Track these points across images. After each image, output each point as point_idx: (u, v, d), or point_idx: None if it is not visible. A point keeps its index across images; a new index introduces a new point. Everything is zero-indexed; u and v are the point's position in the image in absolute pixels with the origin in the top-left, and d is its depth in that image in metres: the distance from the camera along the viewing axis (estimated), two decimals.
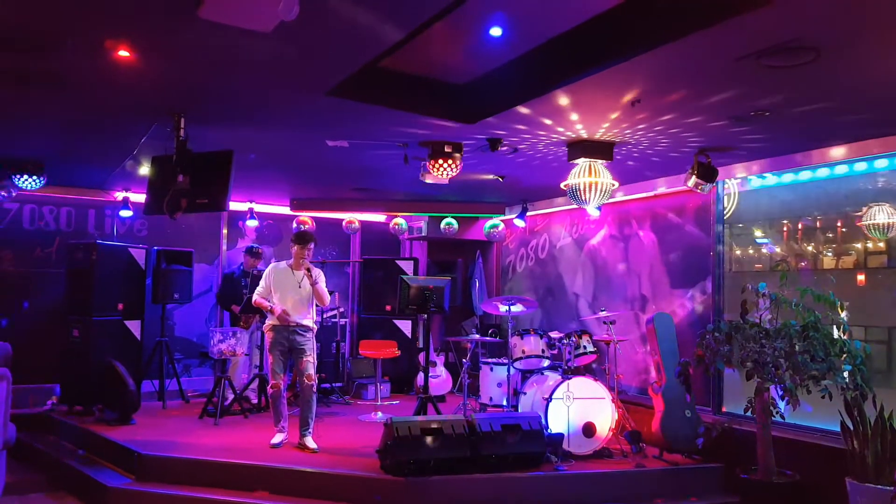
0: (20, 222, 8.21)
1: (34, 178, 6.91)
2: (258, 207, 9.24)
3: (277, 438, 5.82)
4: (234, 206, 8.65)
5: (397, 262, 9.32)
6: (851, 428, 4.72)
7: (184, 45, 3.71)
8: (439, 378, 8.27)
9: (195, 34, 3.48)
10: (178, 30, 3.48)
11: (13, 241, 8.13)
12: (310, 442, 5.71)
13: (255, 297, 5.97)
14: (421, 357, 7.88)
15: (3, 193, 7.20)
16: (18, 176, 6.87)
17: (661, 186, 6.95)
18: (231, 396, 7.14)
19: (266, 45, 3.57)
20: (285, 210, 9.41)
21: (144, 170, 6.65)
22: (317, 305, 6.00)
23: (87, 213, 8.59)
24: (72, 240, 7.99)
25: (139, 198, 7.81)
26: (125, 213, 8.38)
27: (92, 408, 7.00)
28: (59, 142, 6.16)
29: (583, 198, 5.54)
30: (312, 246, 5.93)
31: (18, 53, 3.85)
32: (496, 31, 3.76)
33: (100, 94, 4.61)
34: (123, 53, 3.79)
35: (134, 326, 7.69)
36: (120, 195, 8.33)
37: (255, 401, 7.42)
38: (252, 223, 9.27)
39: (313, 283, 5.77)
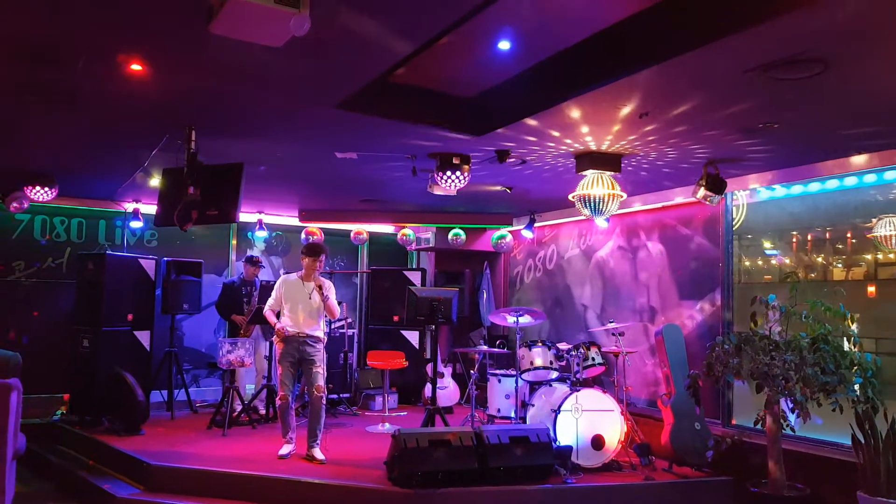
0: (31, 233, 8.28)
1: (46, 189, 6.97)
2: (267, 218, 9.29)
3: (285, 449, 5.82)
4: (243, 217, 8.69)
5: (405, 272, 9.34)
6: (863, 441, 4.68)
7: (196, 60, 3.75)
8: (447, 389, 8.26)
9: (207, 49, 3.52)
10: (191, 44, 3.52)
11: (24, 252, 8.20)
12: (318, 453, 5.71)
13: (265, 308, 6.01)
14: (429, 368, 7.87)
15: (14, 204, 7.26)
16: (30, 187, 6.93)
17: (672, 198, 6.93)
18: (239, 407, 7.16)
19: (277, 59, 3.61)
20: (294, 221, 9.45)
21: (155, 181, 6.70)
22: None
23: (97, 223, 8.66)
24: (82, 250, 8.06)
25: (150, 209, 7.86)
26: (135, 224, 8.45)
27: (101, 418, 7.03)
28: (71, 154, 6.21)
29: (591, 209, 5.56)
30: (324, 258, 5.96)
31: (32, 67, 3.91)
32: (504, 45, 3.78)
33: (112, 107, 4.66)
34: (136, 67, 3.84)
35: (143, 337, 7.73)
36: (130, 206, 8.40)
37: (262, 411, 7.43)
38: (261, 234, 9.32)
39: (325, 299, 5.79)
